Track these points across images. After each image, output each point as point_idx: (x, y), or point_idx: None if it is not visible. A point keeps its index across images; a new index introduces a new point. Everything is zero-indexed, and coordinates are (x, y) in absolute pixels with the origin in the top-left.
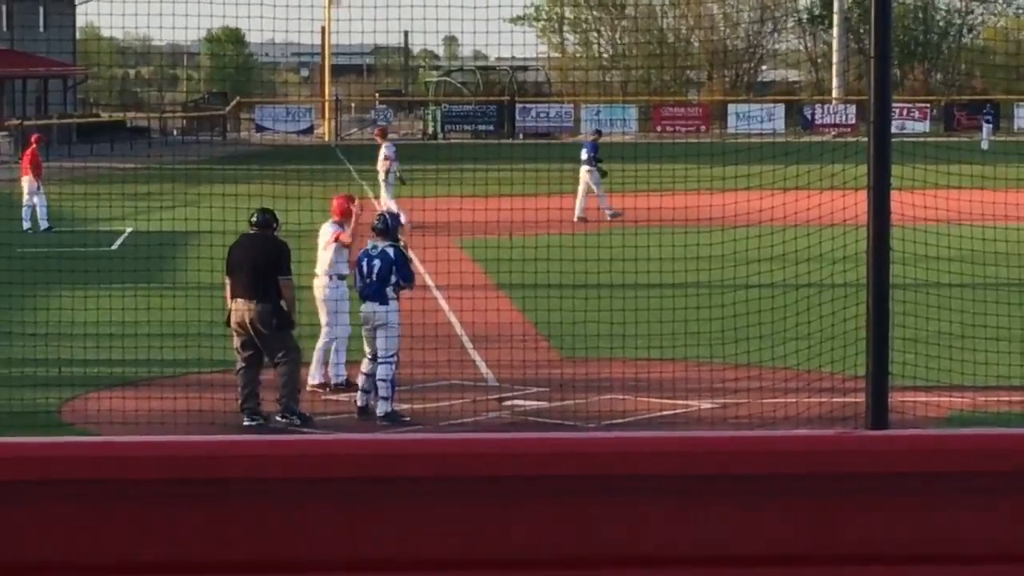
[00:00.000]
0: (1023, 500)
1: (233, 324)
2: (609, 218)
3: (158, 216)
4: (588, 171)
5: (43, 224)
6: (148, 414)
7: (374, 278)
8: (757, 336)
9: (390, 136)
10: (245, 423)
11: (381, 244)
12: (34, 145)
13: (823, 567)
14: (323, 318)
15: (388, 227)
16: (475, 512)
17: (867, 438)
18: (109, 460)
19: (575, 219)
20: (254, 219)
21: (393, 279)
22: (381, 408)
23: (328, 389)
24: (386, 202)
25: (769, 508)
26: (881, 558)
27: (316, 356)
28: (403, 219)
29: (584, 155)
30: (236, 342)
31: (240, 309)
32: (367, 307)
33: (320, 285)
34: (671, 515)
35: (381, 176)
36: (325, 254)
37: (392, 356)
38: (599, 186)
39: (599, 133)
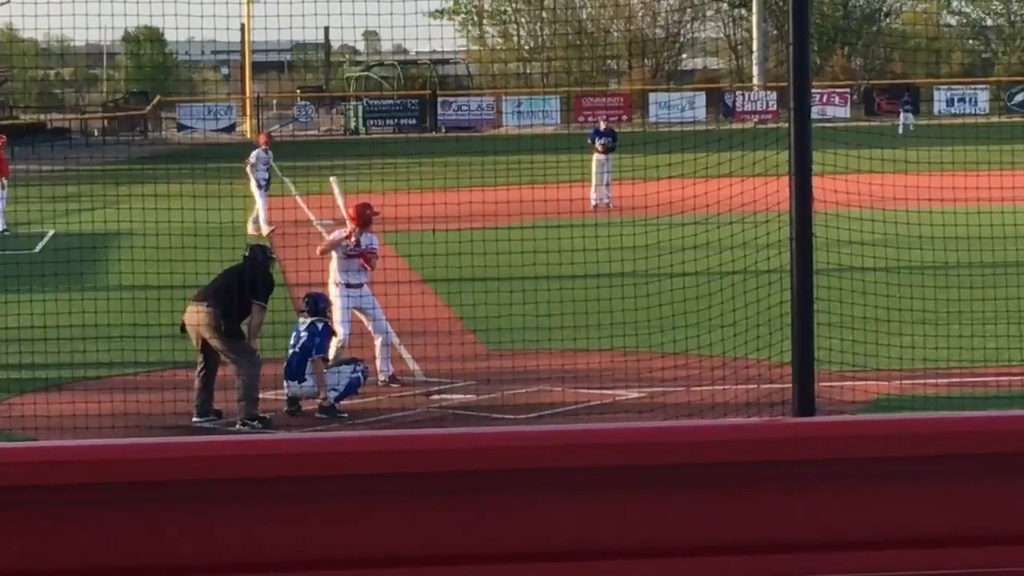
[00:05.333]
0: (950, 484)
1: (187, 327)
2: (605, 206)
3: (79, 218)
4: (607, 158)
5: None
6: (73, 418)
7: (298, 350)
8: (683, 325)
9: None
10: (194, 420)
11: (310, 319)
12: None
13: (752, 555)
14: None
15: (317, 306)
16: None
17: (793, 425)
18: (47, 464)
19: (594, 207)
20: (246, 253)
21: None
22: (328, 399)
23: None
24: (260, 206)
25: (698, 497)
26: (809, 545)
27: (379, 353)
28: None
29: (604, 141)
30: (193, 344)
31: (189, 311)
32: (291, 388)
33: (332, 293)
34: (602, 507)
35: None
36: (330, 263)
37: (361, 366)
38: (608, 174)
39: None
